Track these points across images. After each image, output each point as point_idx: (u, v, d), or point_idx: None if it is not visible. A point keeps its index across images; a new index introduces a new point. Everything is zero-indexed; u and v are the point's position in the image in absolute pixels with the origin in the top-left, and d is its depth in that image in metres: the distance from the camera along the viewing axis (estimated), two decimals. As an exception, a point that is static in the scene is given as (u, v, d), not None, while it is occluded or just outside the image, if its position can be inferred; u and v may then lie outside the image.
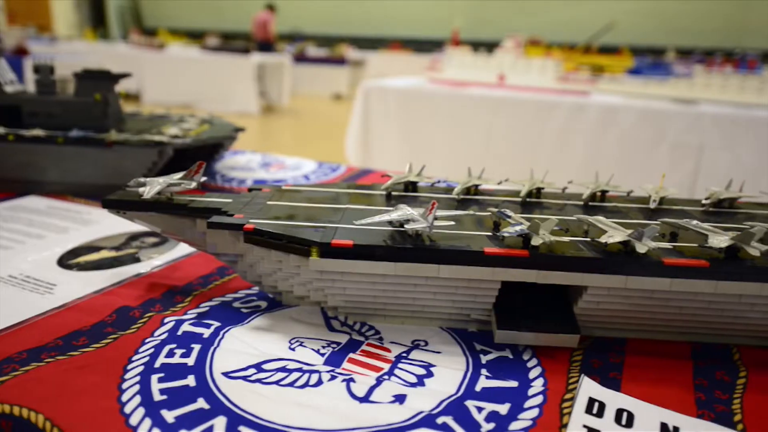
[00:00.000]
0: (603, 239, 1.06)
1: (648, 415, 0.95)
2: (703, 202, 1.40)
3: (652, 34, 15.79)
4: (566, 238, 1.07)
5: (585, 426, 0.92)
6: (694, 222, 1.13)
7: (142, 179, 1.27)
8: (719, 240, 1.04)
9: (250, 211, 1.22)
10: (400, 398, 0.96)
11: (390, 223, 1.10)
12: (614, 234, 1.07)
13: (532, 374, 1.06)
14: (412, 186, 1.46)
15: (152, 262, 1.48)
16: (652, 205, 1.36)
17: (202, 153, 2.19)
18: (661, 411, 0.97)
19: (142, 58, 12.59)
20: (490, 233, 1.13)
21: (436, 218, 1.07)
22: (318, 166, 2.58)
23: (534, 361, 1.11)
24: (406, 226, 1.06)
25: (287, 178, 2.36)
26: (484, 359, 1.10)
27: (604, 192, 1.44)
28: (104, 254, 1.51)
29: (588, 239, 1.11)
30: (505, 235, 1.05)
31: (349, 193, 1.40)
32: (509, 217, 1.12)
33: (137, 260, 1.48)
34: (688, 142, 4.80)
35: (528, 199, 1.42)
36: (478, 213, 1.27)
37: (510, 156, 5.34)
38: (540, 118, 5.15)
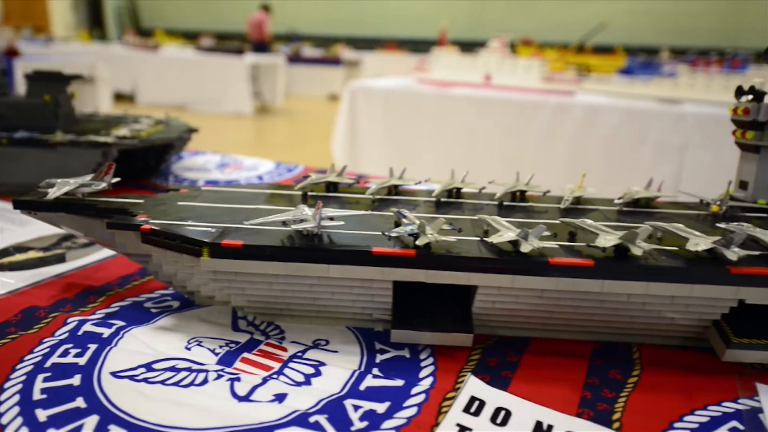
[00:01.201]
0: (492, 239, 1.06)
1: (525, 414, 0.96)
2: (616, 201, 1.40)
3: (647, 34, 15.76)
4: (453, 237, 1.07)
5: (458, 425, 0.93)
6: (588, 222, 1.14)
7: (53, 180, 1.28)
8: (606, 239, 1.05)
9: (158, 211, 1.23)
10: (280, 397, 0.97)
11: (284, 223, 1.11)
12: (504, 233, 1.07)
13: (423, 373, 1.07)
14: (333, 186, 1.46)
15: (76, 262, 1.49)
16: (563, 205, 1.36)
17: (152, 154, 2.20)
18: (539, 409, 0.97)
19: (135, 58, 12.62)
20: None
21: (330, 218, 1.07)
22: (275, 166, 2.59)
23: (430, 361, 1.11)
24: (293, 225, 1.07)
25: (240, 179, 2.37)
26: (379, 359, 1.11)
27: (522, 192, 1.45)
28: (31, 255, 1.52)
29: (480, 238, 1.12)
30: (392, 235, 1.06)
31: (267, 194, 1.41)
32: (405, 216, 1.13)
33: (62, 260, 1.49)
34: (671, 141, 4.79)
35: (446, 200, 1.43)
36: (386, 213, 1.28)
37: (494, 156, 5.34)
38: (525, 118, 5.14)
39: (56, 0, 19.52)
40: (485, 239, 1.08)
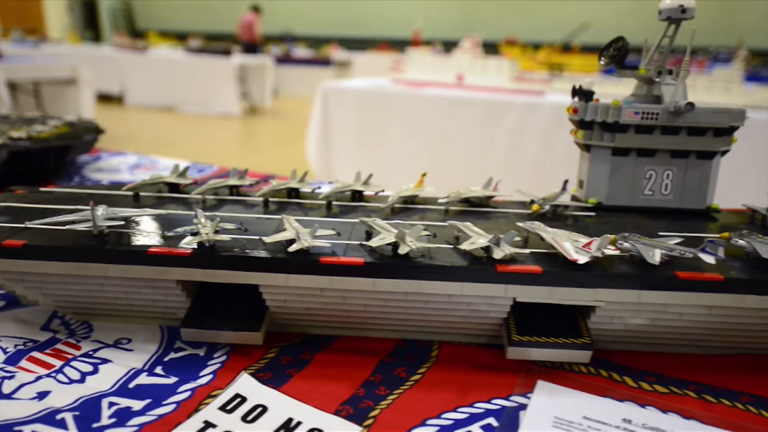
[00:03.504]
0: (269, 239, 1.08)
1: (280, 411, 0.97)
2: (440, 201, 1.41)
3: (641, 33, 15.69)
4: (226, 237, 1.09)
5: (205, 422, 0.94)
6: (378, 220, 1.15)
7: None
8: (380, 238, 1.06)
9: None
10: (42, 395, 0.99)
11: (73, 222, 1.13)
12: (289, 232, 1.09)
13: (204, 371, 1.08)
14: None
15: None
16: (383, 206, 1.37)
17: (51, 156, 2.22)
18: (297, 407, 0.99)
19: (124, 60, 12.67)
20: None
21: (111, 219, 1.09)
22: (190, 165, 2.60)
23: (221, 359, 1.13)
24: (74, 226, 1.08)
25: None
26: (169, 357, 1.13)
27: (360, 192, 1.46)
28: None
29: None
30: (171, 234, 1.08)
31: (95, 194, 1.42)
32: (196, 217, 1.14)
33: None
34: None
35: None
36: (181, 212, 1.29)
37: (464, 156, 5.33)
38: (494, 117, 5.11)
39: (51, 1, 19.61)
40: (262, 237, 1.09)
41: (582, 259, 1.02)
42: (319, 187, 1.48)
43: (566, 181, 1.42)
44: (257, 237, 1.10)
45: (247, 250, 1.07)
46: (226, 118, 12.01)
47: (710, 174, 1.37)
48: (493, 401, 1.04)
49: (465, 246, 1.06)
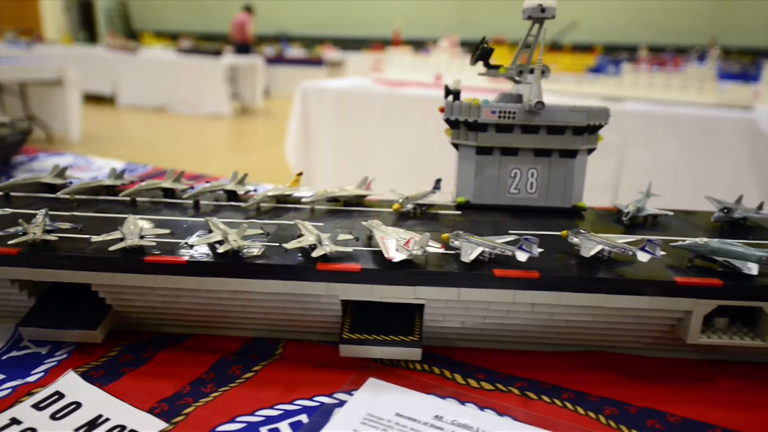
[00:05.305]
0: (98, 238, 1.09)
1: (93, 408, 0.99)
2: (304, 200, 1.41)
3: (633, 33, 15.63)
4: (53, 237, 1.10)
5: (12, 419, 0.96)
6: (214, 219, 1.16)
7: None
8: (205, 237, 1.07)
9: None
10: None
11: None
12: (118, 232, 1.10)
13: (38, 369, 1.10)
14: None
15: None
16: (245, 205, 1.38)
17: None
18: (111, 403, 1.00)
19: (116, 61, 12.71)
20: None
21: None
22: (124, 166, 2.62)
23: (61, 358, 1.14)
24: None
25: (73, 181, 2.40)
26: (7, 355, 1.14)
27: (234, 192, 1.47)
28: None
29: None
30: (2, 234, 1.09)
31: None
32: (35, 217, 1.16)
33: None
34: (611, 140, 4.76)
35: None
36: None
37: (440, 155, 5.31)
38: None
39: (48, 2, 19.69)
40: (92, 237, 1.10)
41: (398, 257, 1.03)
42: (193, 187, 1.49)
43: (439, 180, 1.43)
44: (87, 236, 1.11)
45: (78, 251, 1.09)
46: (216, 118, 12.04)
47: (574, 172, 1.38)
48: (315, 398, 1.05)
49: (289, 245, 1.07)
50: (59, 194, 1.44)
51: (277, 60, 15.49)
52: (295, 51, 16.71)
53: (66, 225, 1.14)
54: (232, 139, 11.06)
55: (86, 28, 20.40)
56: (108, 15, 21.17)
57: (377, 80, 6.52)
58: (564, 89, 5.71)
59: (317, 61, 15.70)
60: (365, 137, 5.73)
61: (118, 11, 21.21)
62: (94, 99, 12.71)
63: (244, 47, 14.35)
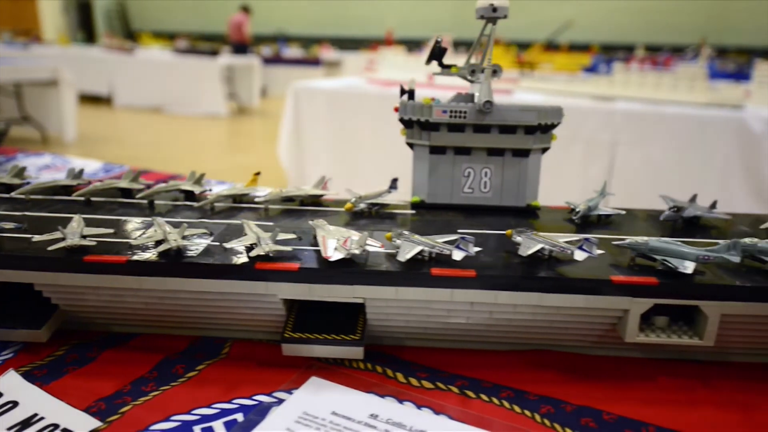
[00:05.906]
0: (39, 237, 1.10)
1: (29, 407, 0.99)
2: (257, 200, 1.42)
3: (631, 32, 15.62)
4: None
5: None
6: (159, 218, 1.17)
7: None
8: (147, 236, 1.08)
9: None
10: None
11: None
12: (57, 232, 1.11)
13: (-20, 369, 1.10)
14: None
15: None
16: (197, 204, 1.39)
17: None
18: (47, 403, 1.01)
19: (112, 61, 12.72)
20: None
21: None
22: (101, 166, 2.63)
23: (6, 357, 1.14)
24: None
25: (31, 181, 2.41)
26: (-47, 355, 1.14)
27: (191, 192, 1.47)
28: None
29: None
30: None
31: None
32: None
33: None
34: (602, 139, 4.77)
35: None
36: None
37: None
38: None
39: (46, 2, 19.72)
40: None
41: (335, 256, 1.04)
42: (149, 186, 1.49)
43: (395, 179, 1.43)
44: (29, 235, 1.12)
45: (19, 251, 1.09)
46: (213, 118, 12.05)
47: (528, 172, 1.38)
48: (254, 397, 1.05)
49: (229, 244, 1.08)
50: (14, 194, 1.45)
51: (275, 60, 15.49)
52: (292, 51, 16.72)
53: (10, 225, 1.15)
54: (228, 139, 11.06)
55: (85, 28, 20.42)
56: (107, 15, 21.20)
57: (371, 80, 6.51)
58: (555, 89, 5.71)
59: (315, 61, 15.71)
60: (358, 136, 5.72)
61: (117, 12, 21.24)
62: (90, 99, 12.73)
63: (241, 47, 14.36)
